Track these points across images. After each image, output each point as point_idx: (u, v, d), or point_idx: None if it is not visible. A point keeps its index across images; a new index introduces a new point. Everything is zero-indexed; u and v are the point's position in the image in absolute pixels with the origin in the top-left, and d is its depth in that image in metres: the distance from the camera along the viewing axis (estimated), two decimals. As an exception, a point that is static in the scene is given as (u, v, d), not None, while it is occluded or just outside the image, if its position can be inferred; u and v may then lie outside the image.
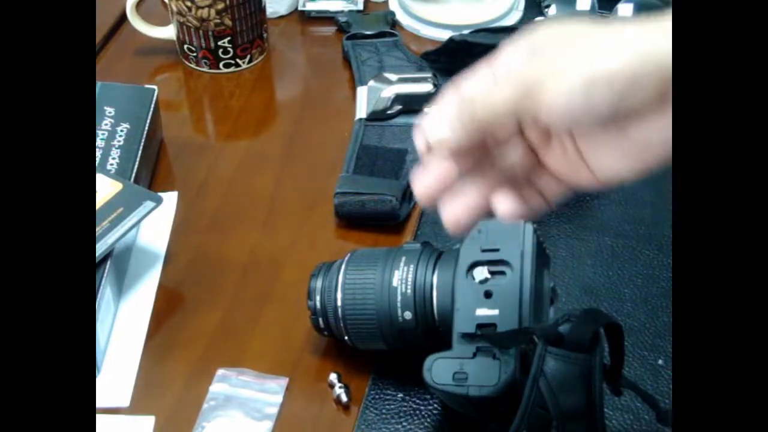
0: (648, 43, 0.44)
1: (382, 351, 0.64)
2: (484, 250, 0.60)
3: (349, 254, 0.66)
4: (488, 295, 0.58)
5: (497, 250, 0.60)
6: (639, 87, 0.44)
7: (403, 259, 0.63)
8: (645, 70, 0.44)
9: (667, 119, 0.45)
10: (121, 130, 0.80)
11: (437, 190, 0.49)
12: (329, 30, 1.01)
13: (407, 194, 0.79)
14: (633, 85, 0.44)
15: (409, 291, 0.62)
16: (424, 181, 0.49)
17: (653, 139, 0.46)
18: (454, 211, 0.50)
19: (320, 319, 0.65)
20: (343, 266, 0.64)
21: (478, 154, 0.49)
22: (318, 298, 0.64)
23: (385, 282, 0.62)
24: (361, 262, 0.64)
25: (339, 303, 0.63)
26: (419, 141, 0.49)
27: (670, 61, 0.44)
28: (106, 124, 0.80)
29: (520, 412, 0.53)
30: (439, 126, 0.47)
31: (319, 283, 0.65)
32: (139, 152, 0.79)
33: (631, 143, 0.46)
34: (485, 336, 0.57)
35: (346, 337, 0.64)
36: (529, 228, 0.61)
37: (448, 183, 0.49)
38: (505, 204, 0.50)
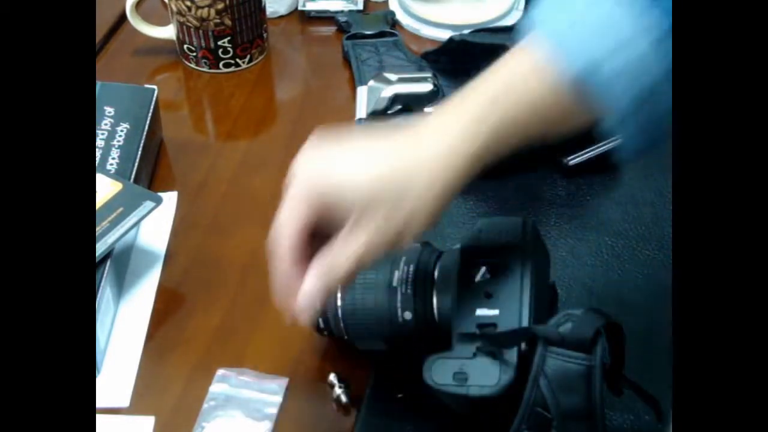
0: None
1: (382, 351, 0.64)
2: (484, 250, 0.60)
3: (349, 254, 0.65)
4: (488, 295, 0.58)
5: (497, 250, 0.60)
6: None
7: (403, 259, 0.63)
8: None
9: None
10: (121, 130, 0.80)
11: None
12: (329, 30, 1.01)
13: (407, 194, 0.79)
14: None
15: (409, 291, 0.61)
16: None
17: None
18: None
19: (320, 319, 0.65)
20: (343, 266, 0.64)
21: None
22: (318, 298, 0.64)
23: (385, 282, 0.62)
24: (361, 262, 0.64)
25: (339, 303, 0.63)
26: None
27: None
28: (105, 124, 0.80)
29: (520, 412, 0.53)
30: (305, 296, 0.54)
31: (319, 283, 0.64)
32: (139, 152, 0.79)
33: None
34: (485, 336, 0.57)
35: (346, 337, 0.64)
36: (530, 228, 0.61)
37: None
38: None
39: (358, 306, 0.63)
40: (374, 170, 0.52)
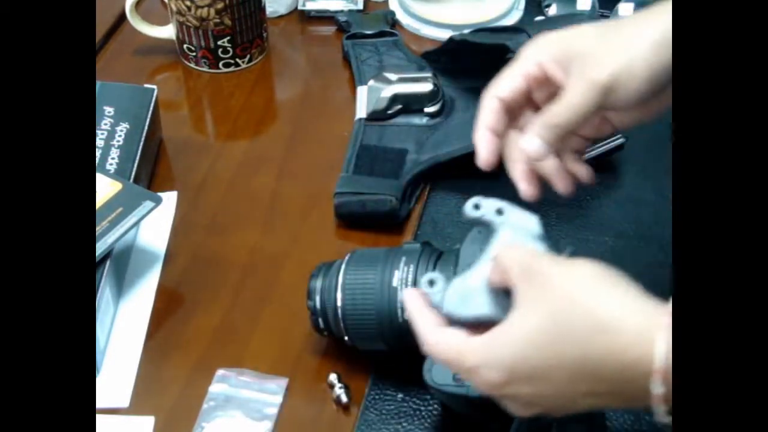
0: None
1: (382, 351, 0.64)
2: (484, 251, 0.60)
3: (349, 254, 0.65)
4: (488, 295, 0.58)
5: (497, 250, 0.59)
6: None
7: (403, 259, 0.63)
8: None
9: None
10: (121, 130, 0.80)
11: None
12: (329, 30, 1.01)
13: (407, 194, 0.79)
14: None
15: (409, 291, 0.61)
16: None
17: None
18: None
19: (320, 319, 0.65)
20: (343, 266, 0.64)
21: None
22: (318, 298, 0.64)
23: (385, 282, 0.62)
24: (361, 262, 0.64)
25: (339, 303, 0.63)
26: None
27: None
28: (105, 124, 0.80)
29: (521, 412, 0.53)
30: (529, 140, 0.59)
31: (319, 283, 0.65)
32: (139, 152, 0.79)
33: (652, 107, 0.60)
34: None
35: (346, 337, 0.64)
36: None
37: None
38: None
39: (358, 306, 0.63)
40: (592, 30, 0.59)
